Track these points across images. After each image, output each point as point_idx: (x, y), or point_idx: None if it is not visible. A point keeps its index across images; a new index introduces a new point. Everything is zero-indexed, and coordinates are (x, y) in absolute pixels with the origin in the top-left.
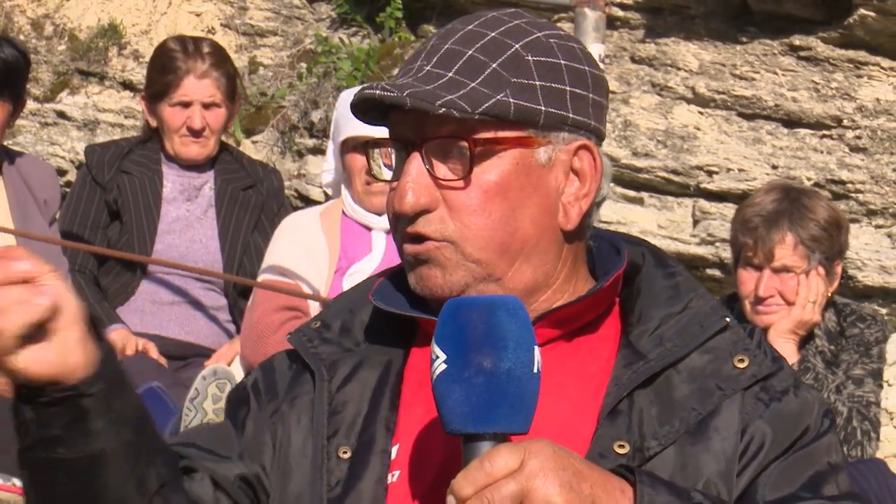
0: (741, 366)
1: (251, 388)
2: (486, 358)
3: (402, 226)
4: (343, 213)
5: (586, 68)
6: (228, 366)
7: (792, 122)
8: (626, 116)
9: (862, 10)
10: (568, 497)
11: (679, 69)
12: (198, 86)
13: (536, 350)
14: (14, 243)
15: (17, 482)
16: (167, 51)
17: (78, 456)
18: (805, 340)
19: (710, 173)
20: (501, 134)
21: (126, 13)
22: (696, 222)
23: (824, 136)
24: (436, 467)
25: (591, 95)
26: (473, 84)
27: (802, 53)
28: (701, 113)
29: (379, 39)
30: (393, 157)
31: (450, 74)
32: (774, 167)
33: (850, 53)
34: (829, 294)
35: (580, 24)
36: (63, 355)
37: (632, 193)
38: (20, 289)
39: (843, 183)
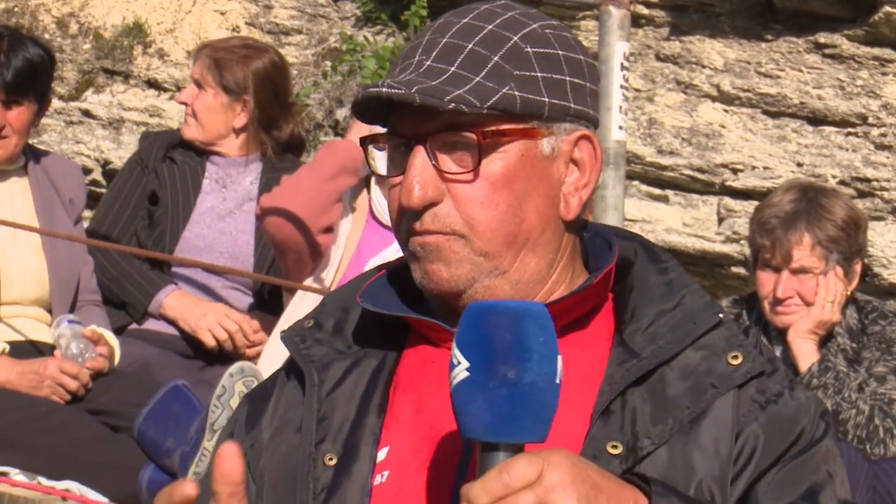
0: (735, 363)
1: (235, 426)
2: (512, 369)
3: (408, 221)
4: (370, 211)
5: (581, 57)
6: (254, 363)
7: (817, 119)
8: (650, 114)
9: (887, 8)
10: None
11: (704, 67)
12: (197, 64)
13: (559, 361)
14: (39, 242)
15: (43, 480)
16: None
17: None
18: (825, 340)
19: (735, 171)
20: (507, 126)
21: (151, 12)
22: (721, 220)
23: (849, 133)
24: (428, 466)
25: (588, 84)
26: (478, 78)
27: (827, 51)
28: (726, 111)
29: (404, 37)
30: (384, 153)
31: (452, 69)
32: (799, 165)
33: (876, 51)
34: (849, 293)
35: (605, 22)
36: None
37: (657, 191)
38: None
39: (868, 181)
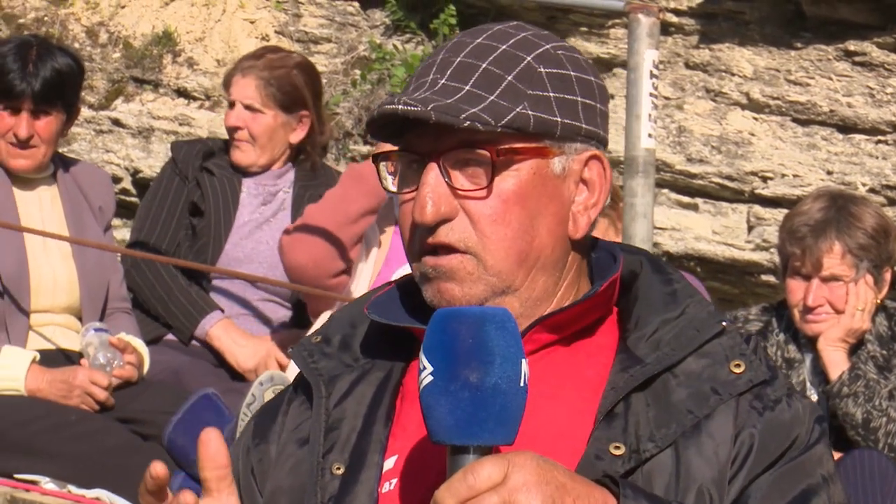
0: (737, 371)
1: (237, 454)
2: (473, 372)
3: (422, 236)
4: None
5: (592, 78)
6: (284, 371)
7: (847, 127)
8: (680, 122)
9: None
10: None
11: (733, 75)
12: (240, 85)
13: (524, 363)
14: (69, 250)
15: (73, 489)
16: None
17: None
18: (856, 347)
19: (764, 179)
20: (520, 145)
21: (180, 21)
22: (750, 228)
23: (879, 141)
24: (433, 475)
25: (598, 105)
26: (492, 97)
27: (857, 59)
28: (755, 119)
29: (433, 46)
30: (398, 168)
31: (467, 87)
32: (829, 173)
33: None
34: (879, 301)
35: (634, 31)
36: None
37: (686, 199)
38: None
39: None
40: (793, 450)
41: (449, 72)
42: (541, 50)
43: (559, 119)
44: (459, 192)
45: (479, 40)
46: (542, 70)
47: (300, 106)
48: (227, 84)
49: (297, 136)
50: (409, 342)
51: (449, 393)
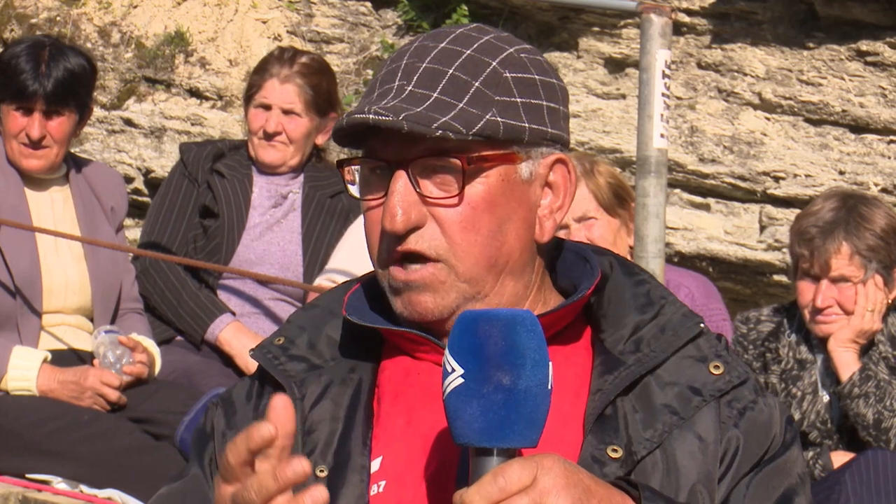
0: (716, 372)
1: (211, 429)
2: (506, 375)
3: (390, 244)
4: None
5: (554, 81)
6: None
7: (859, 127)
8: (692, 122)
9: None
10: None
11: (746, 75)
12: (279, 90)
13: (550, 366)
14: (81, 250)
15: (85, 489)
16: (266, 56)
17: None
18: (867, 348)
19: (776, 179)
20: (489, 152)
21: (192, 21)
22: (762, 228)
23: (892, 141)
24: (426, 475)
25: (561, 108)
26: (461, 104)
27: (870, 59)
28: (768, 119)
29: None
30: (357, 175)
31: (435, 94)
32: (842, 173)
33: None
34: (890, 301)
35: (646, 30)
36: None
37: (698, 199)
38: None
39: None
40: (772, 449)
41: (415, 78)
42: (505, 54)
43: (527, 125)
44: (429, 199)
45: (442, 45)
46: (508, 75)
47: (331, 108)
48: (255, 87)
49: (322, 137)
50: (377, 342)
51: (481, 395)
